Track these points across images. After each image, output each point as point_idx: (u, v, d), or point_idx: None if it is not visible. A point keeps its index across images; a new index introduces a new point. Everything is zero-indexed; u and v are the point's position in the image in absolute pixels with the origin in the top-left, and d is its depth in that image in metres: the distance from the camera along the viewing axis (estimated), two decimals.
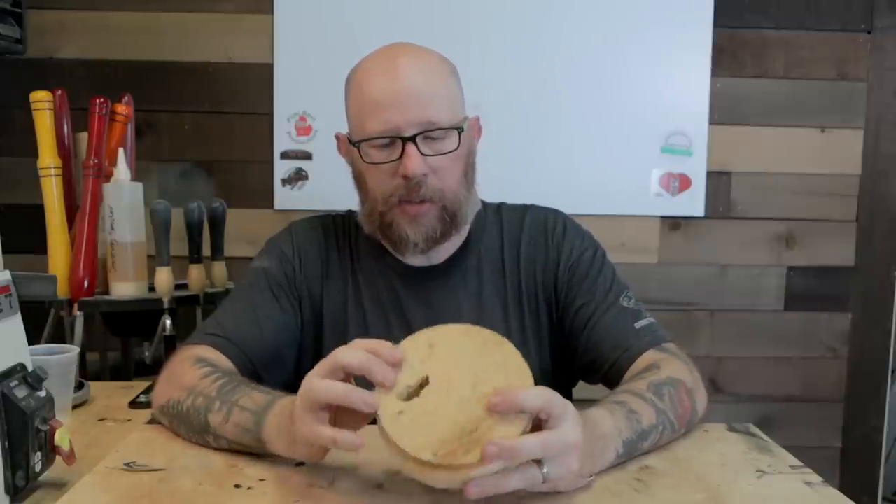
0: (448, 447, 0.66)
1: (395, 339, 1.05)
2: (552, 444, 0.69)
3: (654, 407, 0.87)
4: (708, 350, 2.01)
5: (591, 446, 0.76)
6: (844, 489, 0.85)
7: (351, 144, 1.05)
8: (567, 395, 1.16)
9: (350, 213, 1.16)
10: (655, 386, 0.90)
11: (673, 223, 1.97)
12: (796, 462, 0.87)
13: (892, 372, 2.04)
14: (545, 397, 0.69)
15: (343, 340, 1.05)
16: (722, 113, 1.94)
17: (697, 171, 1.95)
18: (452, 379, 0.70)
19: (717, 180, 1.96)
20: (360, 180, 1.06)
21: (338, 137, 1.11)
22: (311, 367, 1.07)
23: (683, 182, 1.95)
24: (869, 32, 1.95)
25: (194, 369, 0.91)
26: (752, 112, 1.95)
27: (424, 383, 0.70)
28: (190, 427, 0.88)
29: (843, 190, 1.99)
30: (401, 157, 0.97)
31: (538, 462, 0.69)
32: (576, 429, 0.71)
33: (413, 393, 0.70)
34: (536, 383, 1.07)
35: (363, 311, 1.07)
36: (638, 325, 1.03)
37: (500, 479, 0.67)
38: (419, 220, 1.00)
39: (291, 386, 1.08)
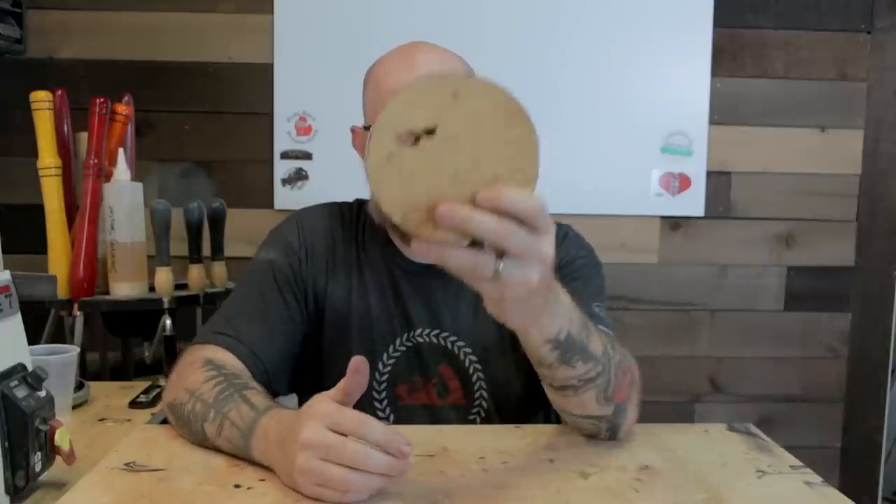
0: (420, 215, 0.62)
1: (398, 336, 1.06)
2: (516, 236, 0.62)
3: (604, 347, 0.83)
4: (708, 350, 2.01)
5: (546, 292, 0.71)
6: (844, 489, 0.85)
7: (365, 130, 1.04)
8: (551, 409, 1.15)
9: (359, 202, 1.15)
10: (611, 343, 0.86)
11: (673, 223, 1.97)
12: (796, 462, 0.87)
13: (892, 372, 2.04)
14: (534, 206, 0.62)
15: (345, 333, 1.06)
16: (722, 113, 1.94)
17: (697, 171, 1.95)
18: (459, 143, 0.62)
19: (717, 180, 1.96)
20: None
21: (353, 131, 1.11)
22: (310, 360, 1.08)
23: (683, 182, 1.95)
24: (869, 32, 1.95)
25: (200, 372, 0.91)
26: (752, 112, 1.95)
27: (429, 132, 0.62)
28: (190, 432, 0.88)
29: (843, 190, 1.99)
30: None
31: (499, 257, 0.63)
32: (550, 245, 0.66)
33: (412, 138, 0.62)
34: (524, 392, 1.08)
35: (367, 305, 1.07)
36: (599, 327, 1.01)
37: (447, 247, 0.62)
38: None
39: (297, 381, 1.09)
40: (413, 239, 0.63)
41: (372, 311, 1.07)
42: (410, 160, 0.62)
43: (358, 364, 0.71)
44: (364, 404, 0.95)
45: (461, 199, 0.62)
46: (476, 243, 0.63)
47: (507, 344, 1.08)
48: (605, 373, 0.83)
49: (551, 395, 0.86)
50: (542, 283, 0.66)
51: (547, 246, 0.65)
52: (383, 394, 1.07)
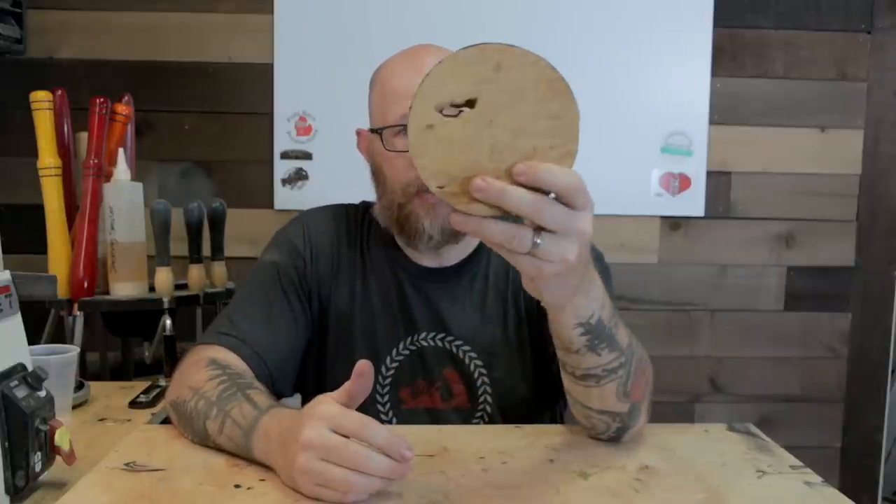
0: (458, 186, 0.62)
1: (401, 340, 1.07)
2: (552, 211, 0.62)
3: (629, 340, 0.83)
4: (708, 350, 2.01)
5: (583, 270, 0.71)
6: (844, 489, 0.85)
7: (372, 133, 1.04)
8: (557, 411, 1.15)
9: (364, 204, 1.15)
10: (634, 338, 0.86)
11: (673, 223, 1.97)
12: (796, 462, 0.87)
13: (892, 372, 2.04)
14: (573, 182, 0.62)
15: (348, 336, 1.06)
16: (722, 113, 1.94)
17: (697, 171, 1.95)
18: (498, 116, 0.62)
19: (717, 180, 1.96)
20: (378, 174, 1.06)
21: (358, 133, 1.11)
22: (314, 361, 1.08)
23: (683, 182, 1.95)
24: (869, 32, 1.95)
25: (204, 371, 0.91)
26: (752, 112, 1.95)
27: (470, 104, 0.62)
28: (192, 430, 0.88)
29: (843, 190, 1.99)
30: None
31: (537, 231, 0.63)
32: (589, 222, 0.65)
33: (452, 109, 0.62)
34: (530, 395, 1.09)
35: (371, 308, 1.07)
36: None
37: (485, 221, 0.62)
38: (437, 211, 0.99)
39: (300, 383, 1.09)
40: (450, 210, 0.63)
41: (376, 314, 1.07)
42: (449, 131, 0.61)
43: (363, 368, 0.71)
44: (367, 407, 0.95)
45: (499, 172, 0.62)
46: (514, 217, 0.63)
47: (514, 348, 1.08)
48: (626, 365, 0.82)
49: (571, 387, 0.85)
50: (579, 260, 0.66)
51: (585, 222, 0.64)
52: (386, 397, 1.07)
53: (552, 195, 0.62)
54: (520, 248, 0.63)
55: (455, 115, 0.62)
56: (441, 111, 0.61)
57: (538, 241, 0.62)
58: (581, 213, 0.64)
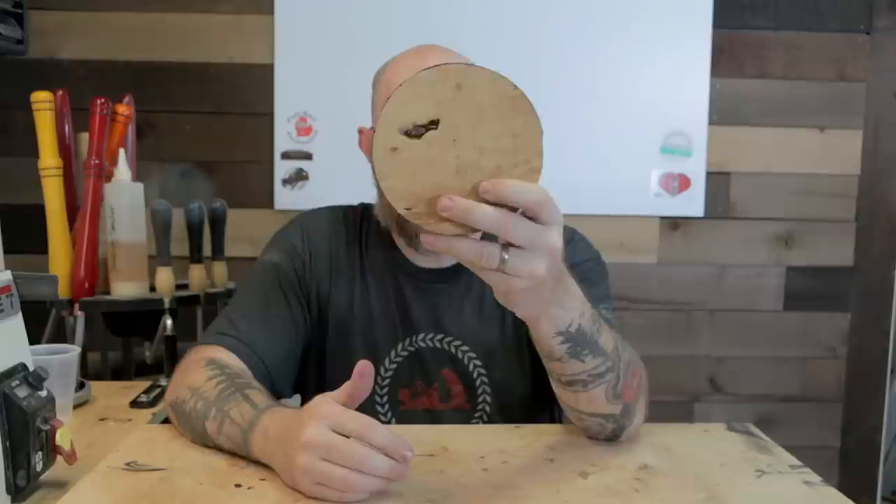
0: (425, 207, 0.63)
1: (400, 341, 1.07)
2: (519, 226, 0.63)
3: (614, 343, 0.83)
4: (708, 350, 2.01)
5: (555, 283, 0.71)
6: (844, 489, 0.85)
7: (373, 131, 1.04)
8: (556, 411, 1.15)
9: (363, 206, 1.15)
10: (621, 341, 0.86)
11: (672, 223, 1.97)
12: (796, 462, 0.87)
13: (892, 372, 2.04)
14: (538, 197, 0.63)
15: (347, 338, 1.07)
16: (721, 113, 1.94)
17: (697, 171, 1.95)
18: (462, 135, 0.63)
19: (717, 180, 1.97)
20: None
21: (360, 131, 1.10)
22: (314, 362, 1.08)
23: (683, 182, 1.95)
24: (868, 33, 1.96)
25: (203, 371, 0.91)
26: (752, 112, 1.96)
27: (432, 125, 0.63)
28: (192, 430, 0.88)
29: (843, 190, 1.99)
30: None
31: (505, 248, 0.64)
32: (557, 236, 0.66)
33: (415, 131, 0.63)
34: (529, 395, 1.09)
35: (370, 309, 1.07)
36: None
37: (454, 239, 0.64)
38: None
39: (300, 384, 1.09)
40: (420, 230, 0.64)
41: (375, 316, 1.07)
42: (414, 153, 0.62)
43: (363, 368, 0.72)
44: (366, 408, 0.95)
45: (465, 191, 0.63)
46: (485, 234, 0.64)
47: (512, 347, 1.08)
48: (614, 368, 0.82)
49: (560, 392, 0.86)
50: (549, 275, 0.66)
51: (553, 237, 0.65)
52: (385, 398, 1.07)
53: (519, 211, 0.63)
54: (489, 265, 0.64)
55: (419, 137, 0.62)
56: (405, 133, 0.62)
57: (506, 256, 0.63)
58: (548, 228, 0.65)
